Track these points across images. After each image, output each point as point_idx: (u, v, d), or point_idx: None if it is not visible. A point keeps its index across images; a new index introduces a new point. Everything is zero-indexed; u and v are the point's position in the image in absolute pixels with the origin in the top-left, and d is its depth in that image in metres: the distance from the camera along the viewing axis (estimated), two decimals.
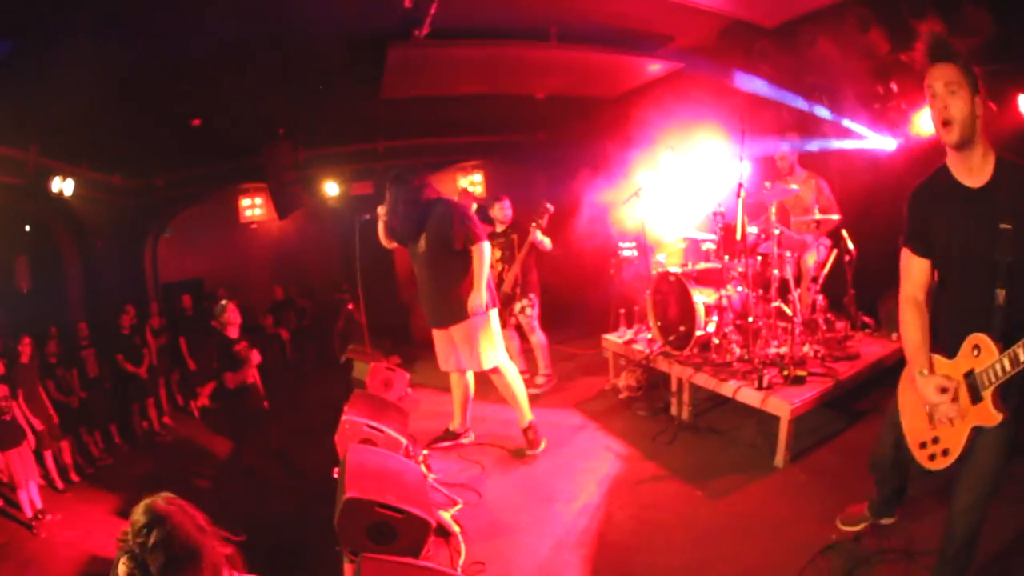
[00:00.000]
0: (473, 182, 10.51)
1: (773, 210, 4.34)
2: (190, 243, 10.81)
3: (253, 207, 10.88)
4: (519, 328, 5.52)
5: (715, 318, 4.42)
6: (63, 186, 6.96)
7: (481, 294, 3.82)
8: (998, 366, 1.78)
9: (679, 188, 5.70)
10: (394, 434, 3.68)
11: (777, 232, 4.32)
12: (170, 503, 1.78)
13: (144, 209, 9.46)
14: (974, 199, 1.89)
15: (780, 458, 3.62)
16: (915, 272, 2.06)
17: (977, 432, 1.91)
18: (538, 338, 5.46)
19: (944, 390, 1.91)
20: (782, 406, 3.62)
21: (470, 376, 4.33)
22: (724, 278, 4.53)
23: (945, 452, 2.01)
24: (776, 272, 4.34)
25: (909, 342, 2.04)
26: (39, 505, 5.54)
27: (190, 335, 8.53)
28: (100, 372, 7.18)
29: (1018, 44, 4.14)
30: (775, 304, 4.40)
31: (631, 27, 5.62)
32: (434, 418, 4.83)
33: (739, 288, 4.51)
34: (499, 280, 5.34)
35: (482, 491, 3.69)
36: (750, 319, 4.19)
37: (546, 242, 5.34)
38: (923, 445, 2.09)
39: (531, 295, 5.44)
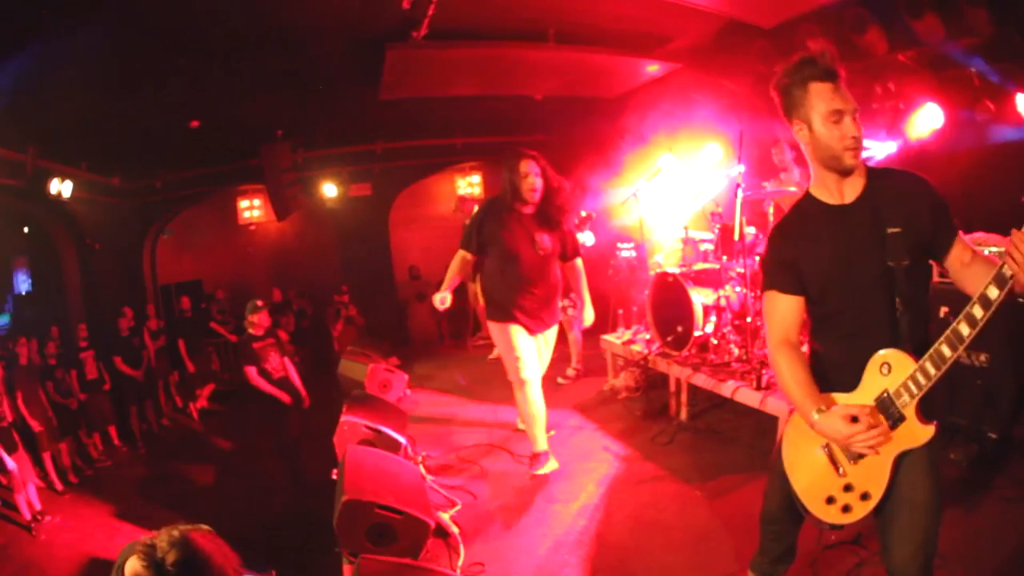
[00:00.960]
0: (471, 183, 10.53)
1: (771, 211, 4.34)
2: (188, 245, 10.83)
3: (251, 208, 10.91)
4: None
5: (713, 318, 4.41)
6: (61, 188, 6.96)
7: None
8: (919, 374, 1.62)
9: (677, 188, 5.71)
10: (393, 435, 3.68)
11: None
12: (209, 541, 1.41)
13: (143, 211, 9.48)
14: (850, 213, 1.76)
15: None
16: (786, 313, 1.85)
17: (899, 462, 1.71)
18: (575, 335, 5.64)
19: (855, 419, 1.66)
20: (781, 406, 3.61)
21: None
22: (722, 278, 4.52)
23: (865, 496, 1.75)
24: None
25: (795, 384, 1.78)
26: (38, 507, 5.53)
27: (189, 337, 8.54)
28: (99, 374, 7.17)
29: (1018, 44, 4.13)
30: None
31: (629, 28, 5.62)
32: (433, 419, 4.83)
33: (737, 288, 4.50)
34: None
35: (481, 492, 3.68)
36: (748, 319, 4.19)
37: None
38: (830, 500, 1.80)
39: (572, 295, 5.50)
